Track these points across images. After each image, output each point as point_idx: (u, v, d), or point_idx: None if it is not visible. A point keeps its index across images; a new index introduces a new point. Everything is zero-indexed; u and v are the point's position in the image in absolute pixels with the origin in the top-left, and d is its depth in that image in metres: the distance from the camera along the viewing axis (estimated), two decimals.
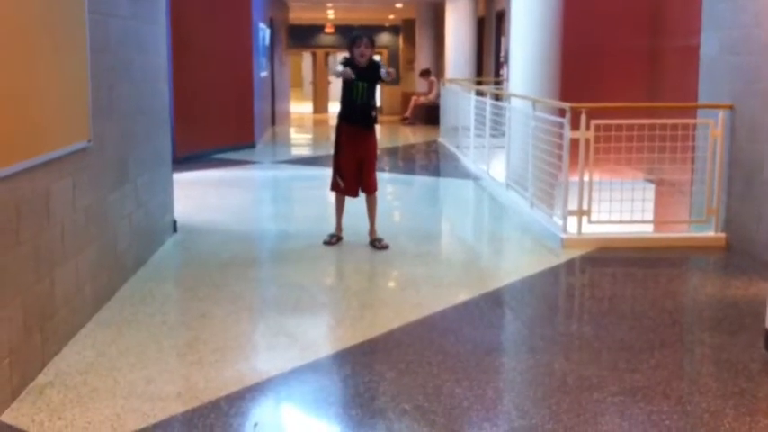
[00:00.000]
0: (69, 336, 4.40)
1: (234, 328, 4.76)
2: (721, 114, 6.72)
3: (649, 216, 7.19)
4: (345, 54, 6.79)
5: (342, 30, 27.32)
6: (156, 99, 6.59)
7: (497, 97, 11.11)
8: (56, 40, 4.21)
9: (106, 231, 5.13)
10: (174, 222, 7.16)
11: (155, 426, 3.43)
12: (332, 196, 7.12)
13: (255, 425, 3.53)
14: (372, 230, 6.78)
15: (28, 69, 3.83)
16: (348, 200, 6.92)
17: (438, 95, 18.08)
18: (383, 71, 6.51)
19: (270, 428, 3.59)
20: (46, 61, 4.06)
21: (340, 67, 6.48)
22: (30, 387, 3.79)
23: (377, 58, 6.71)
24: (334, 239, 6.78)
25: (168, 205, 6.99)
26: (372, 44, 6.67)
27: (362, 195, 6.87)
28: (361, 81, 6.52)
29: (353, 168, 6.70)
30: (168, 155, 7.03)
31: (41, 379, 3.88)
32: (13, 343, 3.65)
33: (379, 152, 14.78)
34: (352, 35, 6.75)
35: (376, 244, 6.67)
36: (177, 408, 3.61)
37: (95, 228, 4.89)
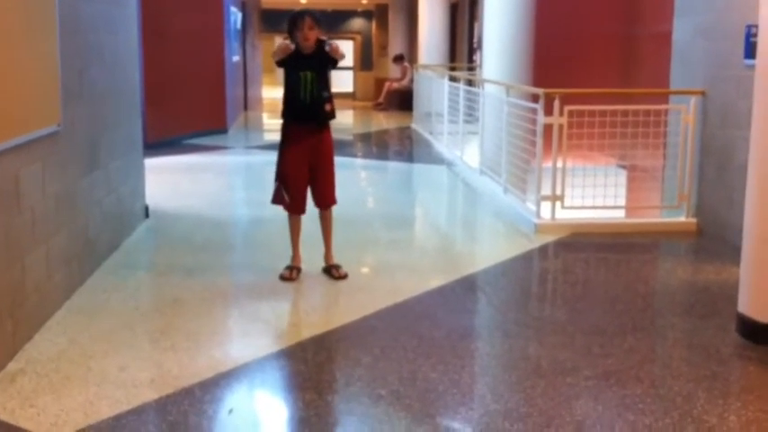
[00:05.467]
0: (41, 323, 4.34)
1: (208, 315, 4.73)
2: (693, 100, 6.76)
3: (622, 202, 7.24)
4: (284, 39, 5.35)
5: None
6: (127, 83, 6.51)
7: (470, 83, 11.10)
8: (25, 23, 4.13)
9: (77, 217, 5.06)
10: (146, 208, 7.09)
11: (128, 413, 3.40)
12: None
13: (230, 411, 3.51)
14: (329, 254, 5.53)
15: None
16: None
17: (411, 81, 18.05)
18: (327, 46, 5.14)
19: (245, 415, 3.57)
20: (15, 44, 3.99)
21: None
22: (1, 374, 3.73)
23: (324, 38, 5.26)
24: (294, 273, 5.37)
25: (140, 191, 6.92)
26: (318, 22, 5.22)
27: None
28: (307, 71, 5.19)
29: (302, 177, 5.37)
30: (139, 140, 6.95)
31: (12, 366, 3.83)
32: None
33: (351, 137, 14.85)
34: (292, 14, 5.28)
35: (333, 272, 5.41)
36: (151, 395, 3.58)
37: (66, 213, 4.83)
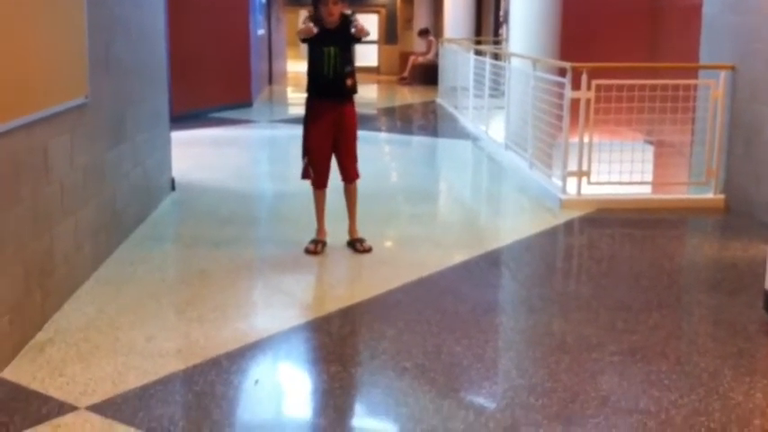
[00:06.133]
0: (69, 293, 4.39)
1: (233, 286, 4.76)
2: (722, 75, 6.67)
3: (649, 177, 7.18)
4: (308, 13, 5.37)
5: None
6: (154, 55, 6.52)
7: (497, 57, 11.02)
8: None
9: (105, 189, 5.10)
10: (173, 180, 7.13)
11: (156, 382, 3.44)
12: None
13: (256, 382, 3.55)
14: (353, 228, 5.55)
15: (25, 24, 3.78)
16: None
17: (436, 55, 17.93)
18: (353, 28, 5.17)
19: (270, 386, 3.61)
20: (43, 15, 4.00)
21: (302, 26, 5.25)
22: (30, 344, 3.79)
23: (349, 12, 5.29)
24: (319, 247, 5.40)
25: (166, 163, 6.95)
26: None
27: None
28: (331, 46, 5.20)
29: (326, 151, 5.40)
30: (166, 112, 6.98)
31: (42, 336, 3.88)
32: (13, 300, 3.65)
33: (375, 112, 14.81)
34: None
35: (357, 245, 5.44)
36: (178, 365, 3.62)
37: (94, 185, 4.86)
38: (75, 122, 4.50)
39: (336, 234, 5.53)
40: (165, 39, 7.09)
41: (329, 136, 5.37)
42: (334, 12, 5.17)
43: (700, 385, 3.46)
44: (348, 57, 5.30)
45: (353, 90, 5.38)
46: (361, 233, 5.55)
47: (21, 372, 3.52)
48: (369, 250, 5.43)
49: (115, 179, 5.35)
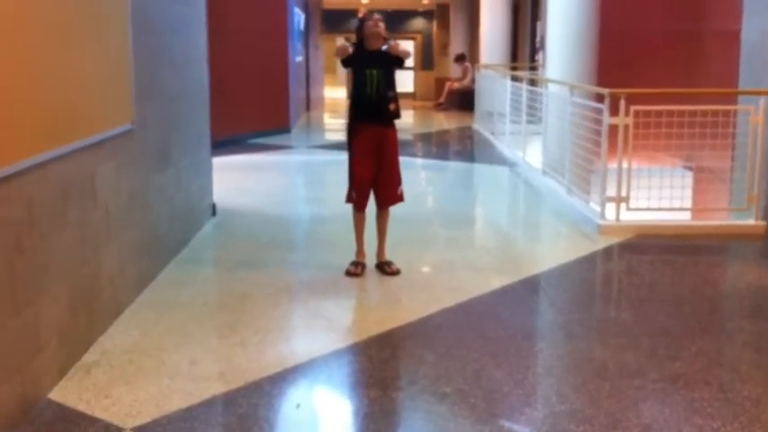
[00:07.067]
0: (114, 316, 4.47)
1: (274, 311, 4.82)
2: (762, 101, 6.63)
3: (688, 203, 7.13)
4: (347, 40, 5.62)
5: None
6: (196, 82, 6.64)
7: (533, 83, 11.04)
8: (99, 23, 4.25)
9: (149, 214, 5.19)
10: (214, 205, 7.22)
11: (199, 405, 3.49)
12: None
13: (298, 405, 3.58)
14: (382, 251, 5.60)
15: (74, 55, 3.89)
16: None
17: (473, 81, 18.00)
18: (384, 45, 5.35)
19: (312, 409, 3.64)
20: (91, 46, 4.12)
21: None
22: (77, 366, 3.86)
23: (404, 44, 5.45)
24: (359, 269, 5.49)
25: (207, 188, 7.05)
26: (383, 20, 5.44)
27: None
28: (374, 68, 5.33)
29: (367, 174, 5.46)
30: (208, 138, 7.09)
31: (88, 358, 3.96)
32: (60, 323, 3.73)
33: (411, 137, 14.88)
34: (360, 17, 5.55)
35: (385, 268, 5.51)
36: (221, 388, 3.66)
37: (138, 210, 4.96)
38: (121, 148, 4.60)
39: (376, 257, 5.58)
40: (207, 65, 7.22)
41: (371, 159, 5.44)
42: (378, 24, 5.34)
43: (743, 413, 3.43)
44: (390, 81, 5.40)
45: (396, 115, 5.46)
46: (400, 256, 5.62)
47: (67, 393, 3.59)
48: (397, 272, 5.50)
49: (159, 204, 5.44)
